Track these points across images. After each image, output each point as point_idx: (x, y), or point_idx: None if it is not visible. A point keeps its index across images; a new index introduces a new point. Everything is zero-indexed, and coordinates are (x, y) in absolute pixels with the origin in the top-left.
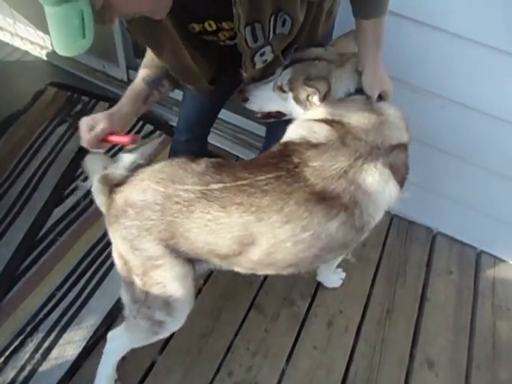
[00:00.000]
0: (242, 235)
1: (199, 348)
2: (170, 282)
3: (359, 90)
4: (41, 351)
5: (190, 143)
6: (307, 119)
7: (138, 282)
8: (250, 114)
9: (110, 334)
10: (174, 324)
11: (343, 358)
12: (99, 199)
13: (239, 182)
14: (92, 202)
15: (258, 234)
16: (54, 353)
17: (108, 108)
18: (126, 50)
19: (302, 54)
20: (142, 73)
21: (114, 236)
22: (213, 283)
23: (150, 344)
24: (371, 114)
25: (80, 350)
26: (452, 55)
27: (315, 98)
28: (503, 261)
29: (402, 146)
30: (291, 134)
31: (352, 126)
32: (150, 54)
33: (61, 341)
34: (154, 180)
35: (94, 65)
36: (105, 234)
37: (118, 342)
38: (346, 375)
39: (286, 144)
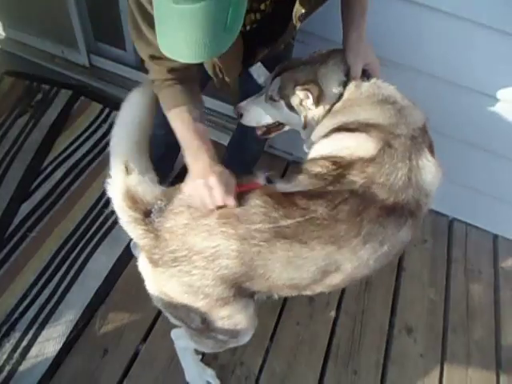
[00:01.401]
0: (326, 264)
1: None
2: (235, 315)
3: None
4: (19, 350)
5: (167, 137)
6: (332, 129)
7: (197, 318)
8: (222, 96)
9: (173, 333)
10: (240, 342)
11: (325, 332)
12: (133, 229)
13: (309, 216)
14: (62, 194)
15: (342, 261)
16: (34, 351)
17: (72, 96)
18: (86, 33)
19: (288, 64)
20: (188, 114)
21: (164, 279)
22: None
23: (134, 331)
24: (385, 105)
25: (60, 346)
26: (422, 26)
27: (309, 102)
28: (474, 227)
29: (425, 124)
30: (325, 150)
31: (383, 124)
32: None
33: (39, 338)
34: (218, 220)
35: (51, 50)
36: (77, 227)
37: (185, 342)
38: (329, 348)
39: (335, 162)
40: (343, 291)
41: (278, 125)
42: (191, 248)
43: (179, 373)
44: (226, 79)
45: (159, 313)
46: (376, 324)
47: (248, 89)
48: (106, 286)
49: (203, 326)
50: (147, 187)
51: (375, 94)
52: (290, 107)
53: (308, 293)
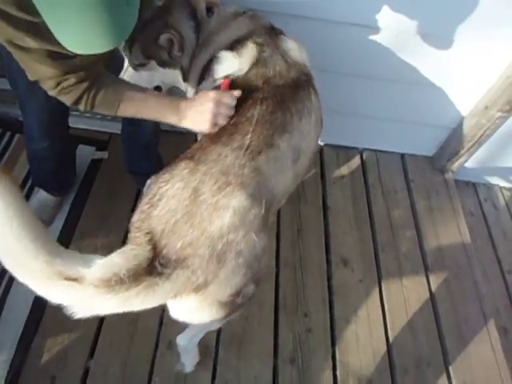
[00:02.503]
0: (293, 153)
1: (130, 334)
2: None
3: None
4: None
5: (54, 147)
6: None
7: (252, 284)
8: None
9: (183, 338)
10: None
11: (270, 287)
12: (164, 288)
13: (255, 122)
14: None
15: (298, 143)
16: None
17: None
18: None
19: (135, 28)
20: (133, 92)
21: (224, 283)
22: None
23: (78, 349)
24: (238, 18)
25: None
26: None
27: (175, 50)
28: (382, 151)
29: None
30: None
31: (246, 34)
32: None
33: None
34: (209, 191)
35: None
36: None
37: (198, 337)
38: (277, 301)
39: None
40: (278, 243)
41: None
42: (223, 235)
43: (136, 375)
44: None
45: (101, 323)
46: (315, 265)
47: (113, 65)
48: (34, 314)
49: (255, 285)
50: (115, 261)
51: (226, 17)
52: (162, 63)
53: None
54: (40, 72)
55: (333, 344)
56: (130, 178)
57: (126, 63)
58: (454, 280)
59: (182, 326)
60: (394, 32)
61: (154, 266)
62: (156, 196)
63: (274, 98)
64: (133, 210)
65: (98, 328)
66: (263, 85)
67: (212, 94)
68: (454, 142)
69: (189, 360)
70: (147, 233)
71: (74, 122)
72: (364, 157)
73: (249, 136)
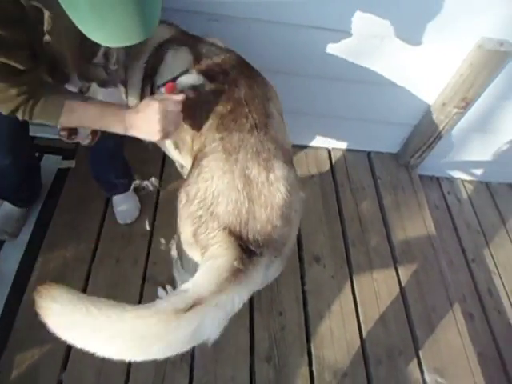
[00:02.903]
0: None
1: None
2: None
3: None
4: None
5: (17, 163)
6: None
7: None
8: None
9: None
10: None
11: None
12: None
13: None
14: None
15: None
16: None
17: None
18: None
19: None
20: (74, 101)
21: None
22: (96, 276)
23: (50, 363)
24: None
25: None
26: None
27: (111, 64)
28: (350, 150)
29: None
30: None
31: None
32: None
33: None
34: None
35: None
36: None
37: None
38: (252, 301)
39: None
40: None
41: None
42: (285, 202)
43: (113, 383)
44: (66, 70)
45: None
46: (287, 264)
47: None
48: (2, 330)
49: None
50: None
51: None
52: (103, 83)
53: None
54: None
55: (308, 340)
56: (98, 185)
57: None
58: (421, 271)
59: None
60: (355, 35)
61: (251, 252)
62: (208, 197)
63: (241, 76)
64: (103, 219)
65: None
66: (223, 71)
67: (157, 106)
68: (416, 139)
69: None
70: (224, 228)
71: (38, 132)
72: (332, 156)
73: (250, 116)
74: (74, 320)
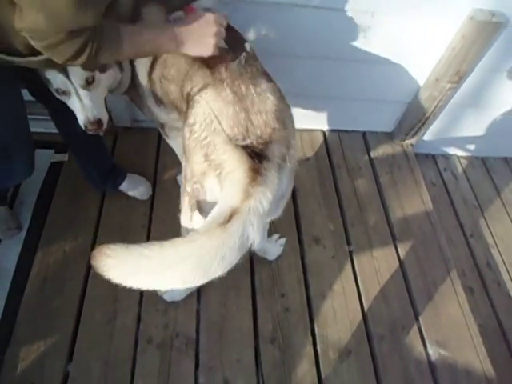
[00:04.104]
0: None
1: (108, 334)
2: None
3: None
4: None
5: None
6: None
7: None
8: None
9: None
10: None
11: (246, 272)
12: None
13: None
14: None
15: None
16: None
17: None
18: None
19: None
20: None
21: None
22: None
23: (55, 355)
24: None
25: None
26: None
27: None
28: (344, 131)
29: None
30: None
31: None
32: None
33: None
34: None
35: None
36: None
37: None
38: (253, 284)
39: None
40: None
41: None
42: (277, 107)
43: (119, 374)
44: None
45: (77, 326)
46: (288, 246)
47: None
48: (5, 325)
49: None
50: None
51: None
52: (103, 67)
53: None
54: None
55: (311, 320)
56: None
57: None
58: (420, 247)
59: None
60: (344, 11)
61: (260, 157)
62: (207, 118)
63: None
64: (100, 211)
65: (75, 330)
66: None
67: (212, 18)
68: (410, 116)
69: (275, 250)
70: (230, 140)
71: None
72: (327, 137)
73: (231, 51)
74: (133, 266)
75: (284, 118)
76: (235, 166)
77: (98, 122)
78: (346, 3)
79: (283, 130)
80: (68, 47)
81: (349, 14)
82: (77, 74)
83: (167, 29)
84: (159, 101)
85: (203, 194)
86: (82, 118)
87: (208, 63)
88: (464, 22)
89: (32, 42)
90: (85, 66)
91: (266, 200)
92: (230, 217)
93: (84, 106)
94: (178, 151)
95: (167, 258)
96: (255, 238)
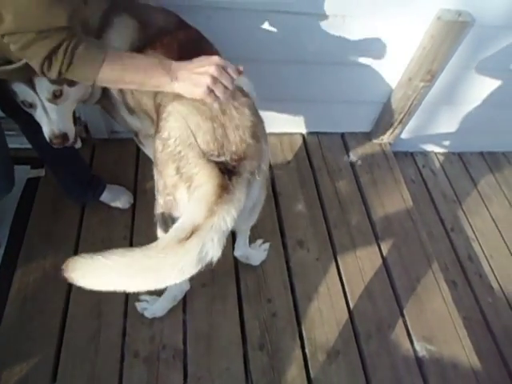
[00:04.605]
0: None
1: (94, 350)
2: None
3: None
4: None
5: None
6: None
7: None
8: None
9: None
10: None
11: (231, 280)
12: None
13: None
14: None
15: None
16: None
17: None
18: None
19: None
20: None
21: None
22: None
23: (38, 376)
24: None
25: None
26: None
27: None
28: (324, 133)
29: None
30: None
31: None
32: None
33: None
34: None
35: None
36: None
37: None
38: (239, 291)
39: None
40: (234, 237)
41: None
42: (251, 122)
43: None
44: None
45: (60, 344)
46: (272, 251)
47: None
48: None
49: None
50: None
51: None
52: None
53: None
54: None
55: (298, 323)
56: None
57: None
58: (402, 244)
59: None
60: (316, 15)
61: (230, 173)
62: (183, 133)
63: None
64: (80, 225)
65: (58, 349)
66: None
67: (216, 59)
68: (387, 116)
69: (259, 255)
70: (204, 155)
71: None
72: (306, 140)
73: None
74: (98, 274)
75: (258, 133)
76: (204, 181)
77: (64, 136)
78: (318, 8)
79: (256, 144)
80: (40, 47)
81: (321, 18)
82: (43, 86)
83: (164, 60)
84: (132, 110)
85: (175, 206)
86: (47, 131)
87: None
88: (432, 22)
89: (11, 47)
90: (60, 77)
91: (229, 217)
92: (192, 233)
93: (49, 120)
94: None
95: (126, 269)
96: (214, 254)
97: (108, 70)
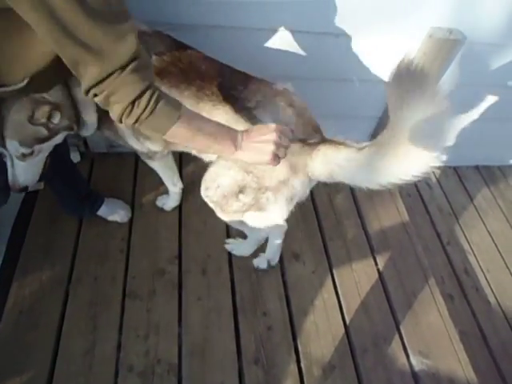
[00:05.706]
0: None
1: (88, 365)
2: None
3: None
4: None
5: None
6: None
7: None
8: None
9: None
10: None
11: (227, 292)
12: None
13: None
14: None
15: None
16: None
17: None
18: None
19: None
20: (188, 115)
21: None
22: (74, 296)
23: None
24: None
25: None
26: None
27: (55, 119)
28: None
29: None
30: None
31: None
32: None
33: None
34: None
35: None
36: None
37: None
38: (235, 305)
39: None
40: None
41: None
42: None
43: None
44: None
45: (54, 358)
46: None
47: None
48: None
49: None
50: None
51: None
52: (43, 140)
53: None
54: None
55: (294, 337)
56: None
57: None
58: (398, 258)
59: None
60: (310, 34)
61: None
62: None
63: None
64: (77, 238)
65: (52, 363)
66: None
67: (273, 126)
68: (382, 130)
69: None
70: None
71: None
72: None
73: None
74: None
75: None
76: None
77: (24, 189)
78: (311, 26)
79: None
80: (128, 88)
81: (314, 36)
82: (13, 146)
83: (230, 129)
84: (144, 137)
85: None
86: (10, 179)
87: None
88: (424, 40)
89: (96, 100)
90: (134, 126)
91: None
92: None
93: (14, 173)
94: (163, 172)
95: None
96: None
97: (182, 128)
